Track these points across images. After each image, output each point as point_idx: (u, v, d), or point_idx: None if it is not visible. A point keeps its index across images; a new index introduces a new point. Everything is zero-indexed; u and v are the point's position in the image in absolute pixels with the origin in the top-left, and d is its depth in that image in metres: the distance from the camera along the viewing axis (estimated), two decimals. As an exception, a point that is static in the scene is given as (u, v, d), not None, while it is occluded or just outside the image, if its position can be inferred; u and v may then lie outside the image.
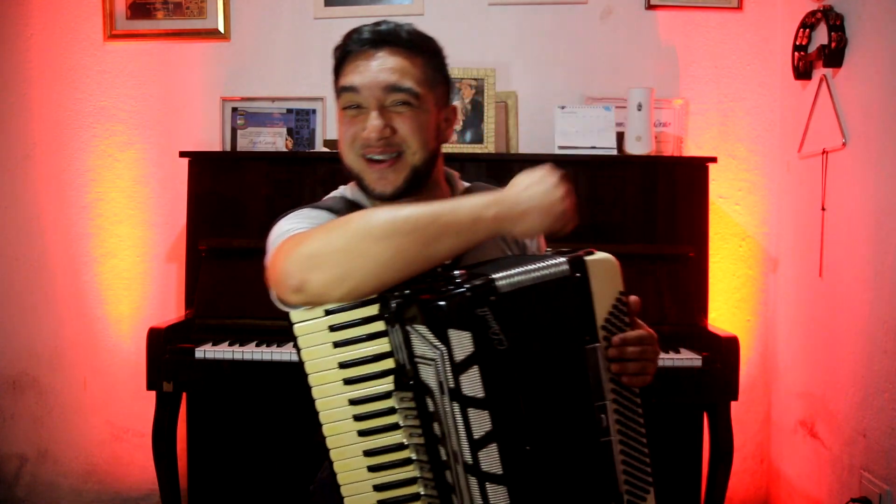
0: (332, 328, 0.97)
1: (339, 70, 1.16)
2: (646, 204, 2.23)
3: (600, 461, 0.97)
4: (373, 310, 0.96)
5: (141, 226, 2.53)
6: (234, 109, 2.48)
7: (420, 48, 1.13)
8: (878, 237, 1.85)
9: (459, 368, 0.91)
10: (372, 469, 0.98)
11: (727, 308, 2.46)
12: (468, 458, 0.93)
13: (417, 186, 1.13)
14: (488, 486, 0.92)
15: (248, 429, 2.27)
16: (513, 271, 0.93)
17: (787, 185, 2.40)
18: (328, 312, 0.97)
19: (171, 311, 2.48)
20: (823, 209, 2.10)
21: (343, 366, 0.97)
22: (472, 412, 0.92)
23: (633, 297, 1.03)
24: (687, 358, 1.92)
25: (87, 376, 2.54)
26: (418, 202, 1.00)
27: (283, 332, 2.00)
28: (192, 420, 2.27)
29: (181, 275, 2.41)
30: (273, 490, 2.28)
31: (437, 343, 0.91)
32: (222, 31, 2.50)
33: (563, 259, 0.95)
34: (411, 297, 0.93)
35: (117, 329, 2.53)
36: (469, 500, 0.95)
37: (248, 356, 1.91)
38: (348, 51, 1.13)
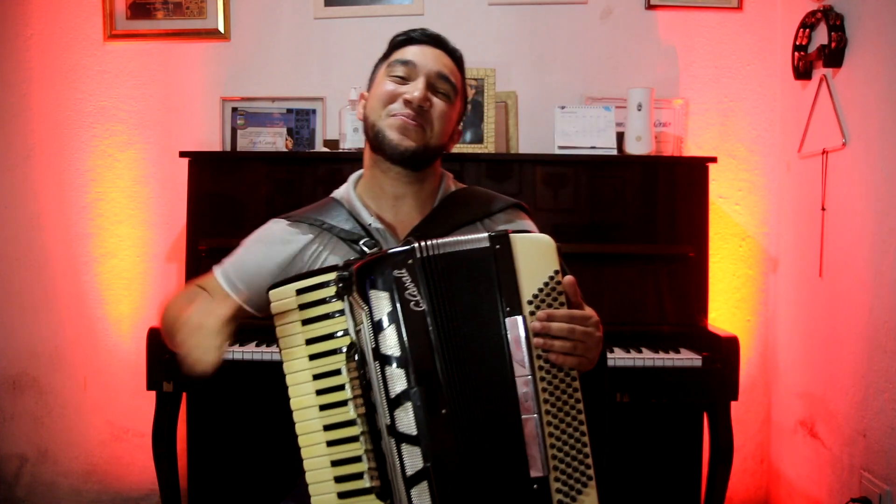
0: (301, 306, 1.04)
1: (395, 49, 1.29)
2: (646, 204, 2.23)
3: (521, 436, 0.96)
4: (331, 291, 1.03)
5: (141, 226, 2.53)
6: (234, 109, 2.48)
7: (462, 65, 1.32)
8: (878, 237, 1.85)
9: (378, 327, 0.97)
10: (330, 444, 1.03)
11: (727, 308, 2.46)
12: (388, 419, 0.96)
13: (420, 165, 1.23)
14: (403, 446, 0.95)
15: (248, 429, 2.27)
16: (438, 241, 1.00)
17: (787, 185, 2.40)
18: (298, 292, 1.04)
19: (171, 311, 2.48)
20: (823, 209, 2.10)
21: (309, 342, 1.03)
22: (388, 371, 0.96)
23: (568, 278, 1.02)
24: (687, 358, 1.92)
25: (87, 376, 2.54)
26: (416, 179, 1.23)
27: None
28: (192, 420, 2.27)
29: (181, 275, 2.41)
30: (273, 490, 2.28)
31: (364, 305, 0.98)
32: (222, 31, 2.50)
33: (484, 234, 1.01)
34: (350, 268, 1.01)
35: (117, 329, 2.53)
36: (392, 465, 0.97)
37: (247, 356, 1.91)
38: (412, 38, 1.28)
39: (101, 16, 2.50)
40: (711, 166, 2.24)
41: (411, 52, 1.25)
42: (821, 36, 2.11)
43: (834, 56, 2.01)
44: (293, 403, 1.04)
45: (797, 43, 2.22)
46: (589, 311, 1.05)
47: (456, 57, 1.30)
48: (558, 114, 2.27)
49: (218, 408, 2.27)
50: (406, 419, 0.95)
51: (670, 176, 2.23)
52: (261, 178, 2.24)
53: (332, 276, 1.03)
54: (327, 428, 1.02)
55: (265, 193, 2.24)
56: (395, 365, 0.96)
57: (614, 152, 2.25)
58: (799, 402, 2.27)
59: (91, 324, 2.53)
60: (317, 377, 1.03)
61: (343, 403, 1.02)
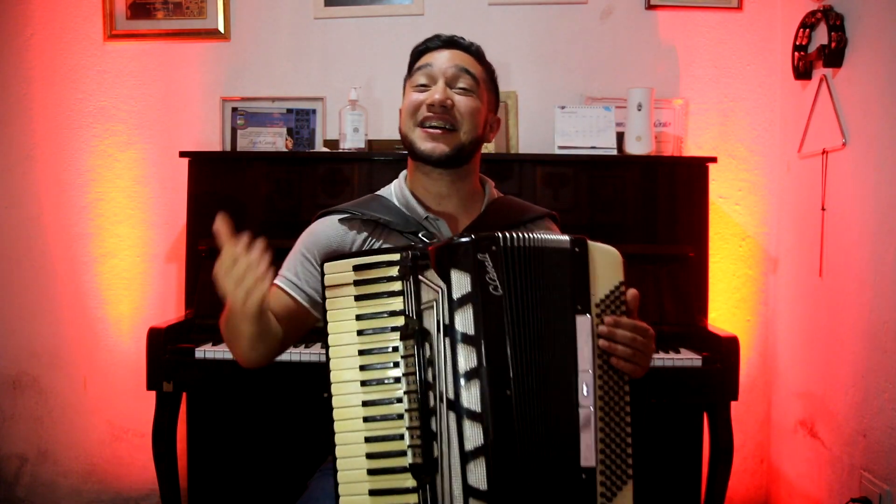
0: (356, 283, 1.07)
1: (416, 60, 1.36)
2: (646, 204, 2.23)
3: (577, 427, 1.01)
4: (393, 270, 1.06)
5: (141, 226, 2.53)
6: (234, 109, 2.48)
7: (481, 57, 1.36)
8: (878, 237, 1.85)
9: (455, 305, 1.00)
10: (367, 420, 1.05)
11: (727, 308, 2.46)
12: (451, 394, 0.99)
13: (459, 163, 1.30)
14: (465, 422, 0.98)
15: (248, 429, 2.27)
16: (520, 234, 1.05)
17: (787, 185, 2.40)
18: (356, 269, 1.07)
19: (171, 311, 2.48)
20: (823, 209, 2.10)
21: (360, 318, 1.07)
22: (460, 348, 0.99)
23: (632, 291, 1.10)
24: (687, 358, 1.92)
25: (87, 376, 2.54)
26: (458, 178, 1.31)
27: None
28: (192, 420, 2.27)
29: (181, 275, 2.41)
30: (273, 490, 2.28)
31: (440, 283, 1.02)
32: (222, 31, 2.50)
33: (566, 236, 1.07)
34: (427, 249, 1.05)
35: (117, 329, 2.53)
36: (447, 441, 1.00)
37: (248, 356, 1.91)
38: (428, 47, 1.34)
39: (101, 16, 2.50)
40: (711, 166, 2.24)
41: (428, 59, 1.32)
42: (821, 36, 2.11)
43: (834, 56, 2.01)
44: (333, 376, 1.06)
45: (797, 43, 2.22)
46: (646, 325, 1.11)
47: (473, 51, 1.35)
48: (558, 114, 2.27)
49: (218, 408, 2.27)
50: (472, 396, 0.98)
51: (670, 176, 2.23)
52: (261, 178, 2.24)
53: (395, 256, 1.06)
54: (367, 404, 1.05)
55: (265, 193, 2.24)
56: (467, 343, 0.99)
57: (614, 152, 2.25)
58: (799, 402, 2.27)
59: (91, 324, 2.53)
60: (363, 352, 1.06)
61: (391, 381, 1.05)
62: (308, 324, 1.31)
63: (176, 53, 2.52)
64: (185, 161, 2.24)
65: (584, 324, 1.04)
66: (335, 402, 1.05)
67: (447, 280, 1.01)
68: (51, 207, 2.54)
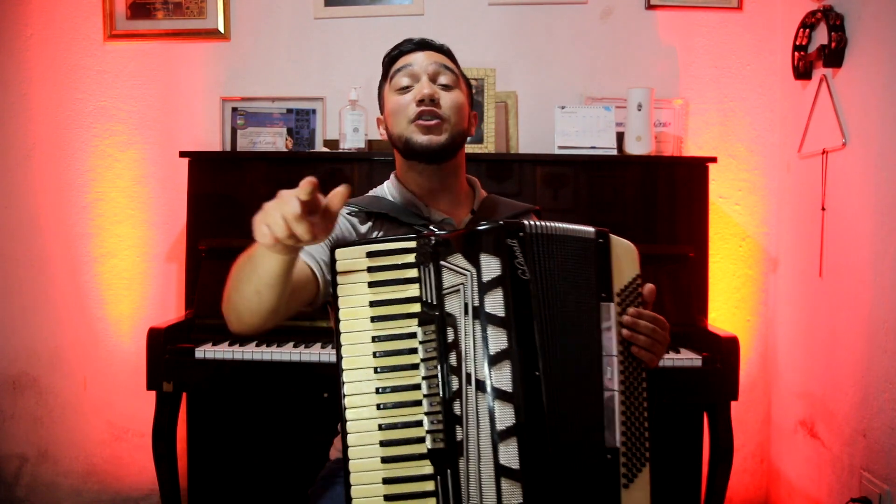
0: (370, 269, 1.06)
1: (388, 67, 1.38)
2: (646, 204, 2.23)
3: (602, 408, 1.04)
4: (409, 257, 1.06)
5: (141, 226, 2.53)
6: (234, 109, 2.48)
7: (451, 55, 1.39)
8: (878, 237, 1.85)
9: (486, 287, 1.01)
10: (381, 408, 1.04)
11: (727, 308, 2.46)
12: (481, 375, 1.00)
13: (450, 155, 1.33)
14: (496, 402, 0.99)
15: (248, 429, 2.27)
16: (547, 223, 1.08)
17: (787, 185, 2.40)
18: (369, 255, 1.07)
19: (171, 311, 2.48)
20: (823, 209, 2.10)
21: (373, 304, 1.06)
22: (490, 330, 1.01)
23: (649, 286, 1.15)
24: (687, 358, 1.92)
25: (87, 376, 2.54)
26: (446, 173, 1.33)
27: (282, 333, 2.01)
28: (192, 420, 2.27)
29: (181, 275, 2.41)
30: (273, 490, 2.28)
31: (469, 266, 1.03)
32: (222, 31, 2.50)
33: (591, 228, 1.10)
34: (448, 236, 1.06)
35: (117, 329, 2.53)
36: (476, 422, 1.00)
37: (247, 356, 1.91)
38: (402, 51, 1.36)
39: (101, 16, 2.50)
40: (711, 166, 2.24)
41: (406, 60, 1.34)
42: (821, 36, 2.11)
43: (834, 56, 2.01)
44: (345, 363, 1.05)
45: (797, 43, 2.22)
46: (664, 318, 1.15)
47: (444, 51, 1.38)
48: (558, 114, 2.27)
49: (218, 408, 2.27)
50: (503, 376, 0.99)
51: (670, 176, 2.23)
52: (261, 178, 2.24)
53: (411, 243, 1.07)
54: (381, 391, 1.04)
55: (265, 193, 2.20)
56: (497, 324, 1.00)
57: (614, 152, 2.25)
58: (799, 402, 2.27)
59: (91, 324, 2.53)
60: (376, 339, 1.05)
61: (407, 367, 1.04)
62: (305, 301, 1.22)
63: (176, 53, 2.52)
64: (185, 161, 2.24)
65: (608, 310, 1.07)
66: (347, 389, 1.04)
67: (476, 263, 1.02)
68: (50, 207, 2.54)
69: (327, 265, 1.20)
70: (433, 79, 1.32)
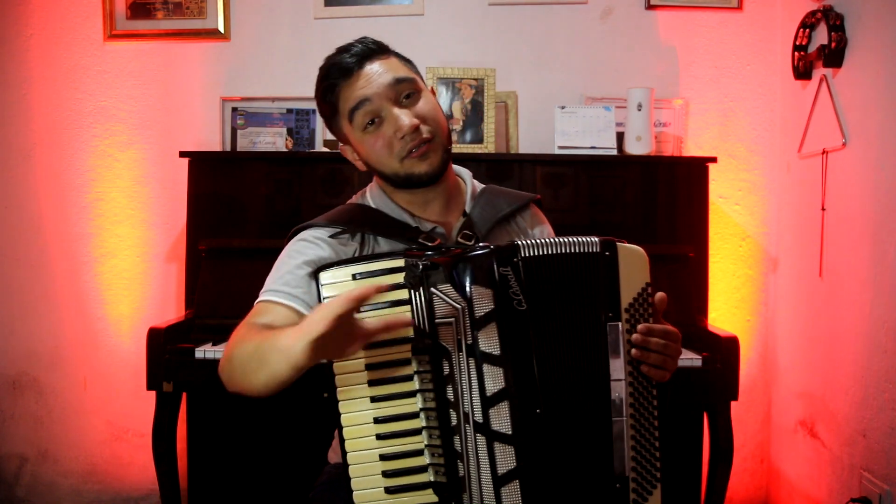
0: None
1: (334, 104, 1.19)
2: (646, 204, 2.23)
3: (610, 438, 0.99)
4: (397, 277, 0.99)
5: (141, 226, 2.53)
6: (234, 109, 2.48)
7: (386, 49, 1.21)
8: (878, 237, 1.85)
9: (478, 324, 0.95)
10: (381, 437, 0.99)
11: (727, 308, 2.46)
12: (479, 416, 0.95)
13: (447, 166, 1.21)
14: (496, 445, 0.95)
15: (248, 429, 2.27)
16: (544, 241, 0.99)
17: (787, 185, 2.40)
18: (355, 277, 0.99)
19: (171, 311, 2.48)
20: (823, 209, 2.10)
21: None
22: (486, 368, 0.95)
23: (660, 294, 1.05)
24: (687, 358, 1.91)
25: (87, 376, 2.54)
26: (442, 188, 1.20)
27: (283, 332, 2.01)
28: (192, 420, 2.27)
29: (181, 275, 2.41)
30: (273, 490, 2.28)
31: (459, 300, 0.96)
32: (222, 31, 2.49)
33: (595, 239, 1.02)
34: (438, 260, 0.98)
35: (117, 329, 2.53)
36: (475, 462, 0.96)
37: (248, 356, 1.91)
38: (335, 83, 1.17)
39: (101, 16, 2.50)
40: (711, 166, 2.24)
41: (355, 91, 1.15)
42: (821, 36, 2.11)
43: (834, 56, 2.01)
44: (340, 393, 0.99)
45: (797, 43, 2.22)
46: (671, 327, 1.07)
47: (380, 50, 1.19)
48: (558, 114, 2.27)
49: (218, 408, 2.27)
50: (501, 418, 0.95)
51: (670, 176, 2.23)
52: (261, 178, 2.24)
53: (399, 262, 0.98)
54: (379, 420, 0.99)
55: (265, 193, 2.24)
56: (493, 363, 0.95)
57: (614, 152, 2.25)
58: (799, 402, 2.27)
59: (91, 324, 2.53)
60: (370, 367, 0.99)
61: (402, 395, 0.99)
62: None
63: (176, 53, 2.52)
64: (185, 161, 2.24)
65: (615, 331, 1.00)
66: (344, 420, 0.99)
67: (466, 297, 0.96)
68: (51, 207, 2.53)
69: (310, 306, 1.11)
70: (397, 100, 1.15)
